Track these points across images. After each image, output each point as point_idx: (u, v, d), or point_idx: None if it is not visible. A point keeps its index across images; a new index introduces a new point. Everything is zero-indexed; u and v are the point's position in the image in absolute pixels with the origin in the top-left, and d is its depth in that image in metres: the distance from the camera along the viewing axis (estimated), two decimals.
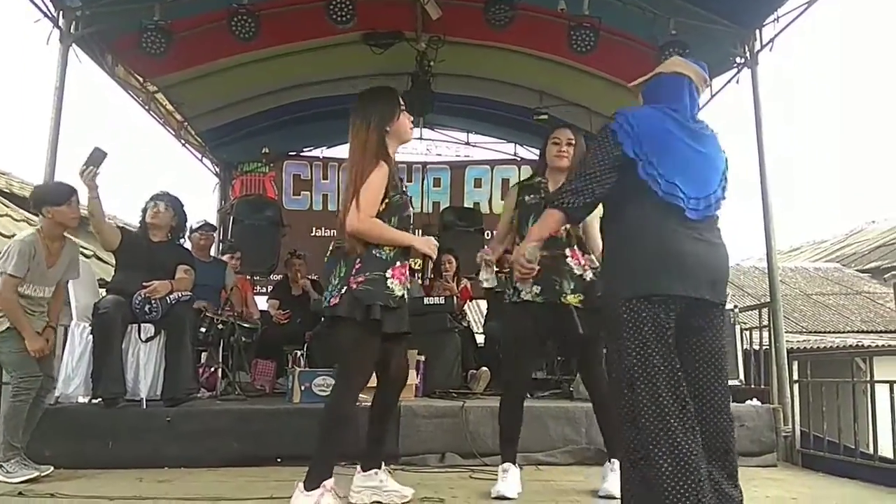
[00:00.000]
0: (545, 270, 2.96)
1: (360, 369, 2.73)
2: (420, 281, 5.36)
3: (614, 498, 2.80)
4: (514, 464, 3.10)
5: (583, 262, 3.09)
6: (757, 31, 4.75)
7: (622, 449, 2.17)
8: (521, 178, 3.34)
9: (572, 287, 3.03)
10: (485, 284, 3.17)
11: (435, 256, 2.85)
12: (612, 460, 3.03)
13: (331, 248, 2.85)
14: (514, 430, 3.15)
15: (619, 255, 2.24)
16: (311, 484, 2.61)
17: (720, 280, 2.21)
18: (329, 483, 2.61)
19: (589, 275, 3.08)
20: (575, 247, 3.09)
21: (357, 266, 2.68)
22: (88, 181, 3.73)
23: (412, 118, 2.97)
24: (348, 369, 2.77)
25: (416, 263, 2.95)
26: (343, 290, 2.66)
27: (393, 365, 2.90)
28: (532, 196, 3.18)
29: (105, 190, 3.84)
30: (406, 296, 2.79)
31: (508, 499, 2.92)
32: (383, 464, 2.93)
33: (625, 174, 2.21)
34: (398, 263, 2.74)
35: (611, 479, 2.97)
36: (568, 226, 3.05)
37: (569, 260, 3.06)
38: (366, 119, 2.78)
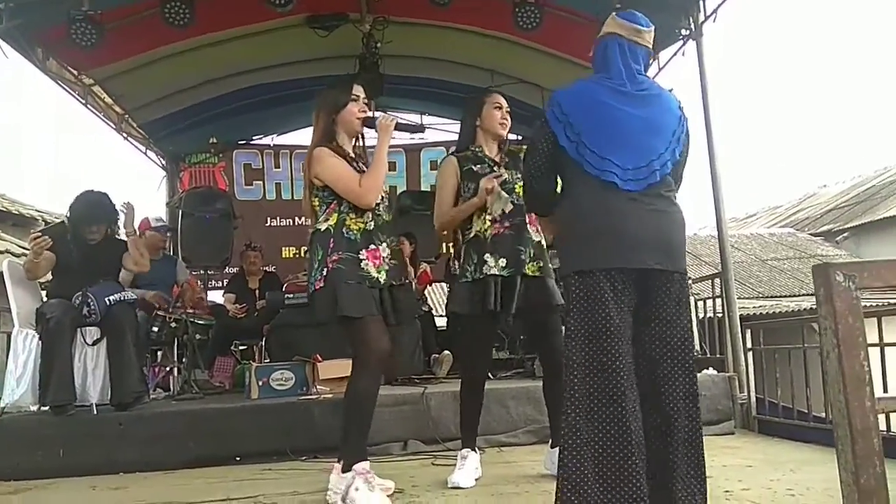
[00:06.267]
0: (509, 241, 2.93)
1: (369, 349, 2.68)
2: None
3: None
4: (473, 449, 3.07)
5: (538, 227, 3.02)
6: (700, 2, 4.75)
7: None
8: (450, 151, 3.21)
9: (532, 254, 2.97)
10: (507, 207, 2.95)
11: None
12: None
13: (310, 236, 2.81)
14: (474, 415, 3.10)
15: (565, 234, 2.22)
16: (346, 467, 2.61)
17: (673, 247, 2.12)
18: (360, 466, 2.58)
19: (543, 241, 3.04)
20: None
21: (331, 245, 2.68)
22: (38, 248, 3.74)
23: (365, 108, 2.88)
24: (356, 349, 2.72)
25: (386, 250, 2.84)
26: (325, 273, 2.66)
27: None
28: (480, 166, 3.05)
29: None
30: (383, 280, 2.73)
31: (463, 488, 2.88)
32: None
33: (563, 158, 2.17)
34: (371, 246, 2.72)
35: None
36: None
37: (528, 227, 2.99)
38: (316, 110, 2.84)
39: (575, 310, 2.06)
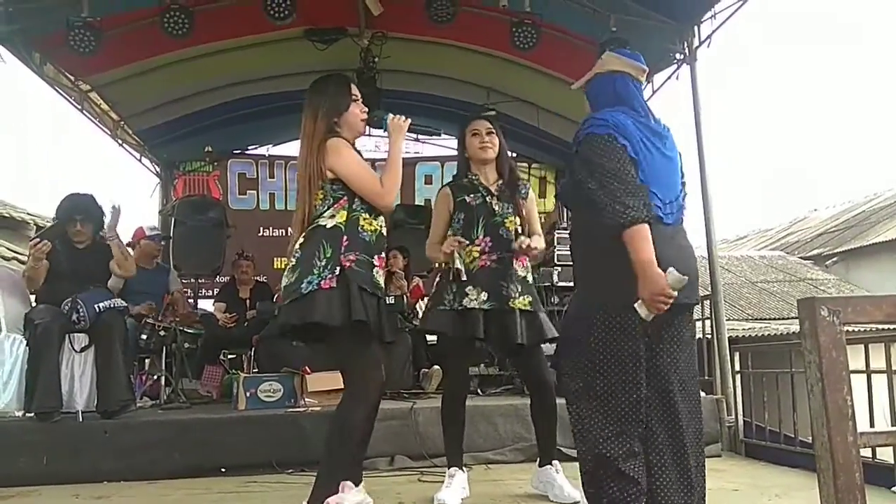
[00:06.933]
0: (493, 275, 2.92)
1: (367, 378, 2.50)
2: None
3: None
4: (461, 468, 3.05)
5: (525, 264, 3.03)
6: (695, 28, 4.81)
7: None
8: (445, 181, 3.18)
9: (519, 290, 2.94)
10: (463, 277, 2.91)
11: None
12: (554, 462, 3.01)
13: (304, 233, 2.55)
14: (457, 434, 3.08)
15: (601, 264, 2.14)
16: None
17: (694, 280, 2.18)
18: (333, 500, 2.43)
19: (530, 277, 3.04)
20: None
21: (344, 243, 2.47)
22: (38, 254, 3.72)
23: (366, 109, 2.71)
24: (352, 374, 2.54)
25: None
26: (337, 271, 2.41)
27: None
28: (473, 196, 3.05)
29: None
30: (380, 294, 2.57)
31: None
32: None
33: None
34: (381, 253, 2.56)
35: (561, 480, 2.96)
36: (518, 226, 3.02)
37: (515, 263, 2.98)
38: (313, 110, 2.58)
39: (607, 341, 2.07)
